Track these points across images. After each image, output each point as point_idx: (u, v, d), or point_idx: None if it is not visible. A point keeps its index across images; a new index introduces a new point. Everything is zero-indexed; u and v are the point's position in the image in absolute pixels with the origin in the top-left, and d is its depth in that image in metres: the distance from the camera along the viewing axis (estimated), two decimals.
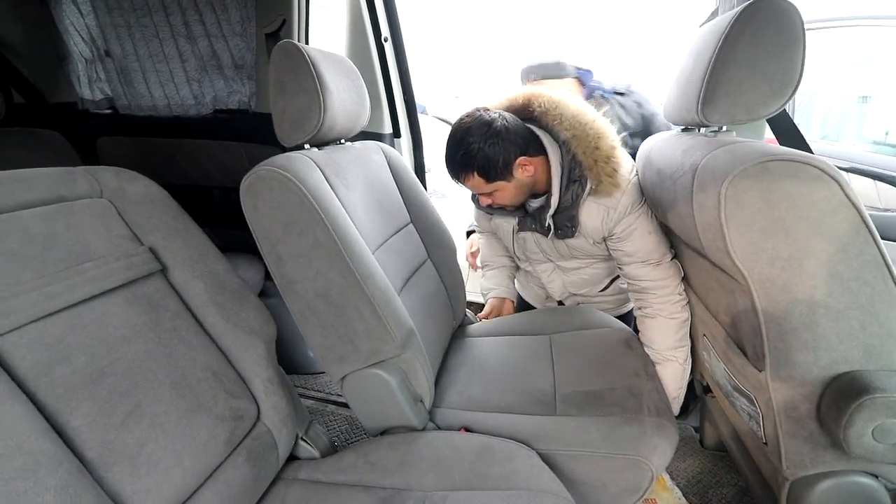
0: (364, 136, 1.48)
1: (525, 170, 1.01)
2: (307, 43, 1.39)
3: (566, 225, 1.08)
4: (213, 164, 1.62)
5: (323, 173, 0.86)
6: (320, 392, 1.59)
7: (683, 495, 1.14)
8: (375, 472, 0.76)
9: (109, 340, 0.58)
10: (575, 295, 1.34)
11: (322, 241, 0.79)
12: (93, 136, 1.68)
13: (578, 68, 1.43)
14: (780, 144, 0.91)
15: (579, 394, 0.94)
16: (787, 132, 0.91)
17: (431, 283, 1.14)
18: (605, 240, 1.10)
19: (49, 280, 0.55)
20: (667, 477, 1.18)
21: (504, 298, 1.36)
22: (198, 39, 1.45)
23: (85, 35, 1.57)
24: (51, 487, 0.46)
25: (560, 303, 1.39)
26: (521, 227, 1.18)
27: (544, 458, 0.79)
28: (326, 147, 0.98)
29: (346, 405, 1.52)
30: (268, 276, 1.59)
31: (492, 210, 1.14)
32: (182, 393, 0.62)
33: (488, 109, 1.01)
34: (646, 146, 1.02)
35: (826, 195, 0.58)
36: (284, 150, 1.39)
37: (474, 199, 1.18)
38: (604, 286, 1.30)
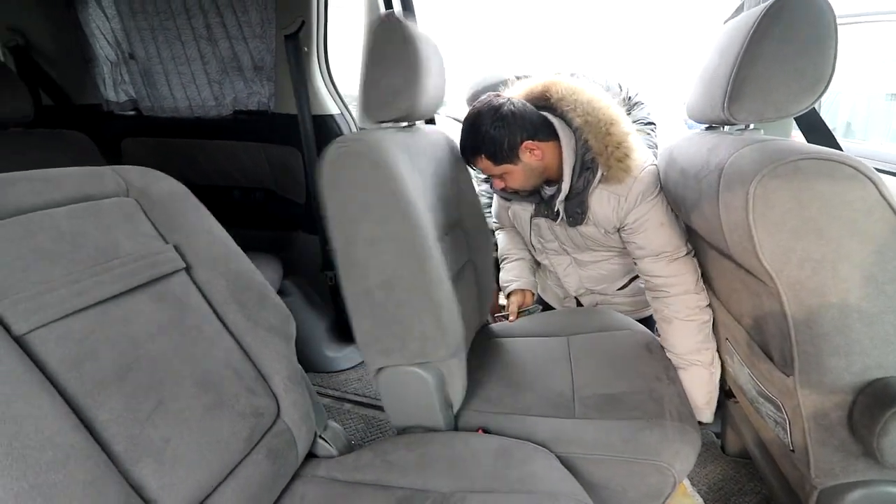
0: None
1: (532, 154, 1.02)
2: (325, 45, 1.41)
3: (576, 212, 1.09)
4: (234, 164, 1.64)
5: (407, 157, 0.83)
6: (337, 391, 1.60)
7: (704, 502, 1.11)
8: (393, 471, 0.76)
9: (135, 337, 0.59)
10: (592, 292, 1.32)
11: (401, 234, 0.77)
12: (117, 138, 1.72)
13: (518, 77, 1.43)
14: (809, 142, 0.89)
15: (599, 397, 0.93)
16: (816, 129, 0.88)
17: (468, 286, 1.11)
18: (618, 231, 1.10)
19: (78, 277, 0.56)
20: (687, 483, 1.15)
21: (525, 290, 1.35)
22: (219, 41, 1.48)
23: (110, 38, 1.61)
24: (80, 480, 0.47)
25: (578, 302, 1.38)
26: (536, 213, 1.19)
27: (563, 462, 0.79)
28: (404, 129, 0.95)
29: (362, 404, 1.53)
30: (286, 275, 1.62)
31: (507, 195, 1.16)
32: (205, 389, 0.63)
33: (499, 96, 1.04)
34: (668, 145, 1.00)
35: (861, 195, 0.56)
36: (301, 150, 1.42)
37: (490, 183, 1.20)
38: (622, 284, 1.29)
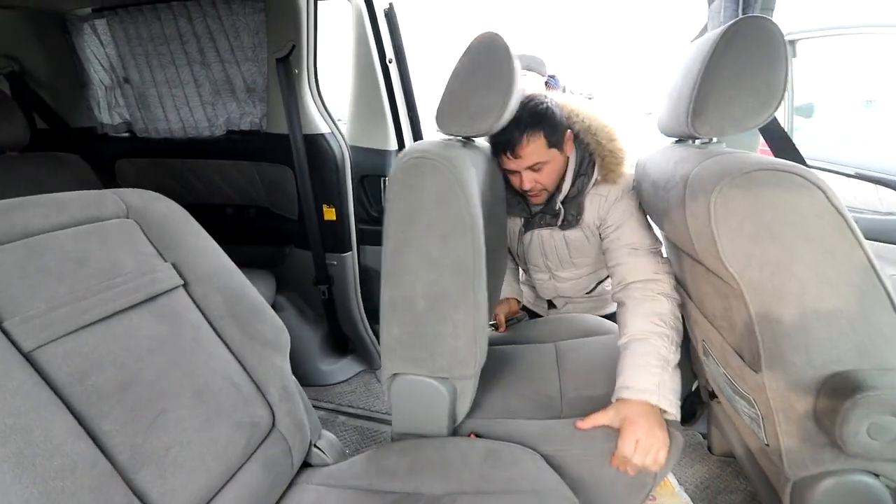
0: (368, 152, 1.54)
1: (569, 145, 1.09)
2: (315, 66, 1.46)
3: (572, 214, 1.14)
4: (226, 182, 1.68)
5: (475, 176, 0.84)
6: (331, 403, 1.62)
7: (692, 500, 1.14)
8: (385, 477, 0.79)
9: (137, 351, 0.62)
10: (562, 297, 1.43)
11: (461, 255, 0.77)
12: (111, 159, 1.75)
13: (551, 76, 1.50)
14: (773, 152, 0.94)
15: (584, 398, 0.96)
16: (779, 141, 0.94)
17: None
18: (598, 230, 1.16)
19: (83, 295, 0.59)
20: (675, 482, 1.19)
21: (510, 299, 1.41)
22: (212, 65, 1.52)
23: (105, 63, 1.65)
24: (86, 487, 0.50)
25: (550, 303, 1.47)
26: (528, 227, 1.24)
27: (551, 460, 0.82)
28: (466, 143, 0.94)
29: (357, 415, 1.55)
30: (279, 290, 1.64)
31: (525, 201, 1.19)
32: (203, 400, 0.66)
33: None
34: (642, 158, 1.05)
35: (810, 202, 0.61)
36: (293, 168, 1.46)
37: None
38: (589, 290, 1.39)
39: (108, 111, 1.72)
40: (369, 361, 1.79)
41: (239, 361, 0.75)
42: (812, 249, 0.62)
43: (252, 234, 1.73)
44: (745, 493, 1.16)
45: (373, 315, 1.68)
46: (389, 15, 1.46)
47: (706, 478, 1.22)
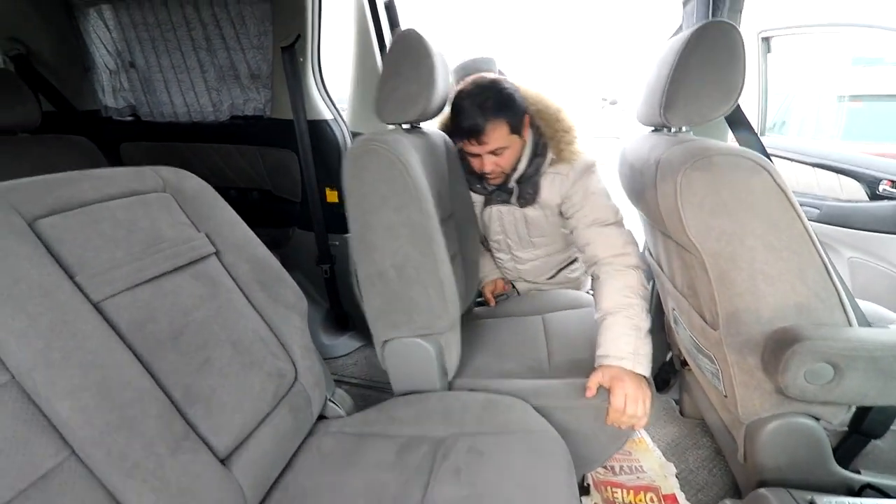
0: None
1: (527, 131, 1.15)
2: (319, 55, 1.53)
3: (528, 192, 1.22)
4: (229, 166, 1.75)
5: (418, 156, 0.95)
6: (335, 374, 1.72)
7: (664, 456, 1.27)
8: (395, 424, 0.89)
9: (183, 307, 0.71)
10: (525, 281, 1.51)
11: (415, 221, 0.89)
12: (116, 142, 1.80)
13: (500, 71, 1.59)
14: (738, 141, 1.05)
15: (570, 361, 1.08)
16: (743, 130, 1.05)
17: (455, 275, 1.20)
18: (560, 208, 1.23)
19: (136, 257, 0.68)
20: (649, 440, 1.32)
21: (496, 279, 1.52)
22: (217, 52, 1.58)
23: (111, 48, 1.69)
24: (152, 415, 0.59)
25: (513, 286, 1.56)
26: (487, 202, 1.32)
27: (540, 412, 0.93)
28: (411, 130, 1.07)
29: (360, 385, 1.66)
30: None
31: (483, 179, 1.24)
32: (239, 351, 0.75)
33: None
34: (623, 146, 1.16)
35: (759, 182, 0.72)
36: (297, 152, 1.53)
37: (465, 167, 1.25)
38: (550, 276, 1.48)
39: (113, 95, 1.77)
40: (369, 337, 1.88)
41: (265, 321, 0.84)
42: (760, 222, 0.73)
43: (255, 217, 1.78)
44: (710, 448, 1.30)
45: None
46: (389, 6, 1.54)
47: (677, 437, 1.35)
